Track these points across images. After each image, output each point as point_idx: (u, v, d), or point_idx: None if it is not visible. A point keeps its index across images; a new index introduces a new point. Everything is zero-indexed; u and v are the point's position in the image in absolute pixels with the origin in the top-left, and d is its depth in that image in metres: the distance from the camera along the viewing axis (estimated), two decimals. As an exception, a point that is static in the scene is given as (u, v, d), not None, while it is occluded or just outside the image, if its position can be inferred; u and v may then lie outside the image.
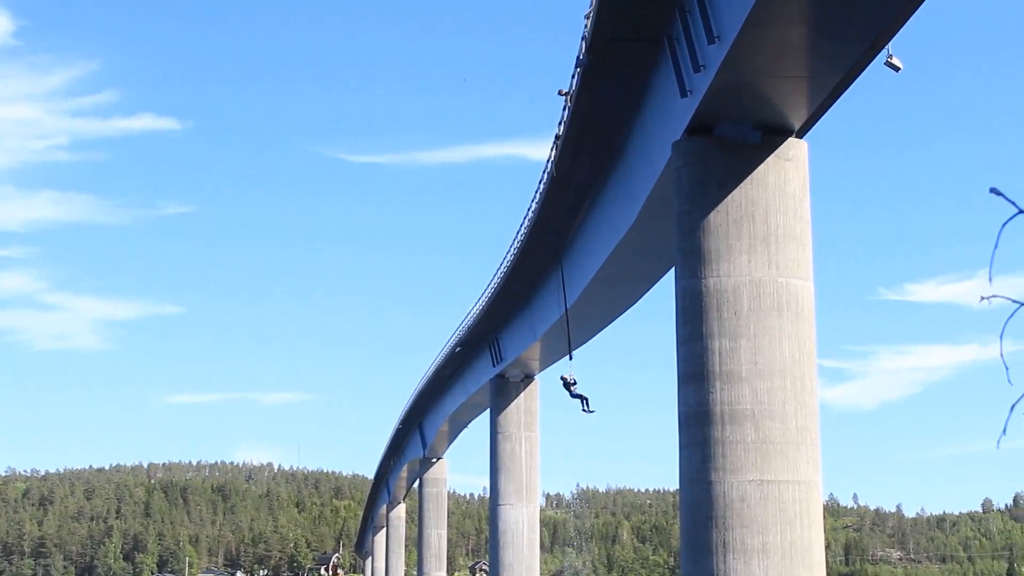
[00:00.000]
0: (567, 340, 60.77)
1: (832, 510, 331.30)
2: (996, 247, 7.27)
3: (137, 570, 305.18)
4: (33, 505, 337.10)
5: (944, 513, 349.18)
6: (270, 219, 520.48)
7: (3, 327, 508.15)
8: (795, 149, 36.95)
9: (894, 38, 30.75)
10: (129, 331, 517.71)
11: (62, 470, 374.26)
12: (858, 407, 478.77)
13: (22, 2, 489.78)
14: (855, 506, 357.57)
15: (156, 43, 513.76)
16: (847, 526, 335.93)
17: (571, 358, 60.79)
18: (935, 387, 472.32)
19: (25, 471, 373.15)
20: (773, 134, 36.66)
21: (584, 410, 54.36)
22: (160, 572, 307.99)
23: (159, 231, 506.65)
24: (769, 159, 36.52)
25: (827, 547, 49.09)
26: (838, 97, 34.89)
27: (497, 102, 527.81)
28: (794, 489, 34.95)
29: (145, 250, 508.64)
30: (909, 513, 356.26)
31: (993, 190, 7.43)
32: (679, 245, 37.47)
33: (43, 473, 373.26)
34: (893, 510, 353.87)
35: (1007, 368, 7.17)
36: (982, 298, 7.46)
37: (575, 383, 54.09)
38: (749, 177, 36.33)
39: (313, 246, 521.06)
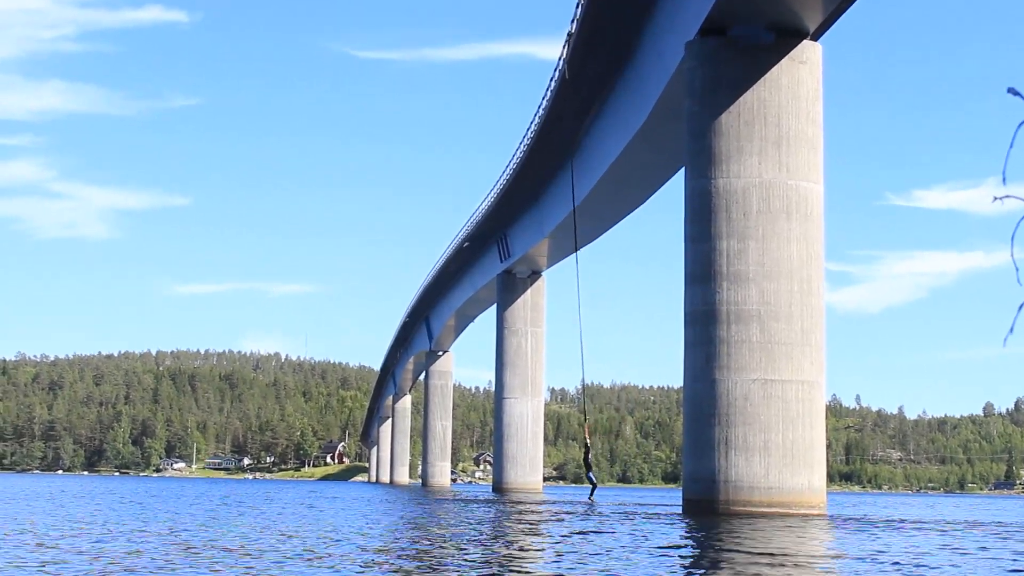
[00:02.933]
0: (574, 239, 61.10)
1: (834, 411, 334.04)
2: (1011, 147, 7.48)
3: (146, 454, 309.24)
4: (43, 389, 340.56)
5: (945, 416, 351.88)
6: (277, 112, 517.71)
7: (11, 215, 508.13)
8: (809, 52, 36.89)
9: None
10: (137, 221, 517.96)
11: (71, 356, 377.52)
12: (863, 311, 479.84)
13: None
14: (857, 407, 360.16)
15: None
16: (849, 426, 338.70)
17: (576, 254, 61.07)
18: (940, 292, 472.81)
19: (35, 356, 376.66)
20: (787, 36, 36.58)
21: (588, 498, 57.57)
22: (168, 457, 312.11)
23: (167, 122, 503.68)
24: (782, 61, 36.48)
25: (828, 446, 49.68)
26: (854, 0, 34.73)
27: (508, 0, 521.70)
28: (797, 389, 35.49)
29: (153, 141, 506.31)
30: (911, 415, 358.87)
31: (1011, 90, 7.61)
32: (689, 146, 37.58)
33: (52, 358, 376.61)
34: (895, 412, 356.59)
35: (1017, 268, 7.41)
36: (995, 198, 7.68)
37: (590, 468, 56.84)
38: (762, 79, 36.33)
39: (321, 138, 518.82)
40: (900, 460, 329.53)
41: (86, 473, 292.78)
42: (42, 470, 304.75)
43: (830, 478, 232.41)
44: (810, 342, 35.84)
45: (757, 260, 35.67)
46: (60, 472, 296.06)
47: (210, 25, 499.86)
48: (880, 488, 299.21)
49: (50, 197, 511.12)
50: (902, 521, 35.91)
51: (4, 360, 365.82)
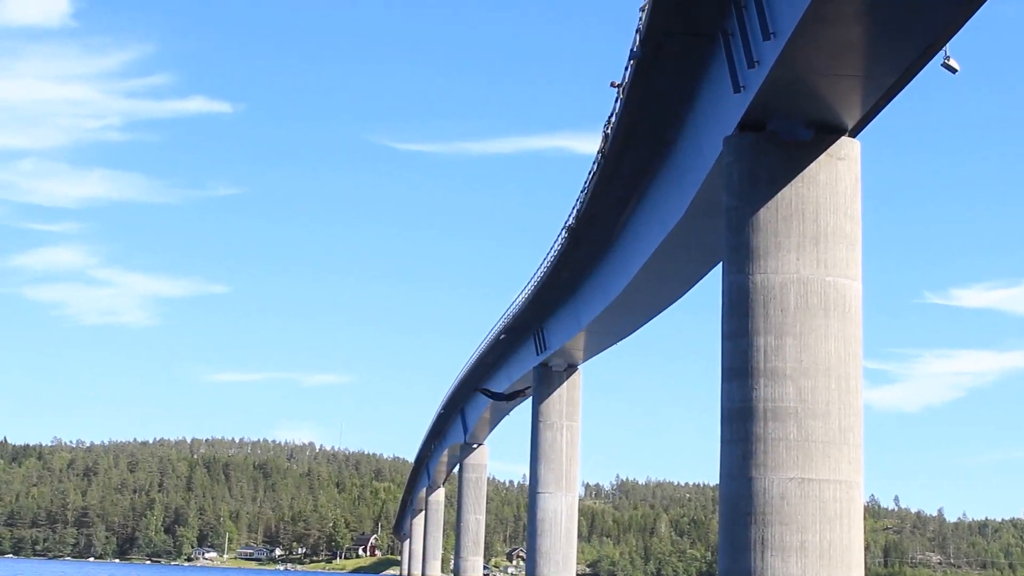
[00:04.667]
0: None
1: (873, 511, 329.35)
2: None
3: (178, 543, 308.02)
4: (77, 475, 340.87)
5: (986, 519, 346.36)
6: (317, 202, 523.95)
7: (53, 301, 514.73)
8: (847, 148, 36.76)
9: (952, 39, 30.55)
10: (176, 308, 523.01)
11: (107, 442, 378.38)
12: (901, 409, 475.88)
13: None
14: (896, 508, 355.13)
15: (210, 27, 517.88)
16: (887, 528, 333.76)
17: None
18: (978, 392, 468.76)
19: (70, 442, 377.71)
20: (826, 132, 36.50)
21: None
22: (200, 546, 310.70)
23: (208, 211, 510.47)
24: (821, 157, 36.36)
25: (866, 548, 48.94)
26: (893, 97, 34.69)
27: (545, 94, 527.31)
28: (835, 488, 34.87)
29: (194, 229, 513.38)
30: (951, 517, 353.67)
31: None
32: (727, 241, 37.40)
33: (88, 444, 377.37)
34: (934, 514, 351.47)
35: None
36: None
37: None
38: (800, 175, 36.21)
39: (359, 230, 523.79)
40: (940, 564, 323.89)
41: (117, 561, 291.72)
42: (73, 556, 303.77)
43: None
44: (848, 441, 35.29)
45: (795, 357, 35.29)
46: (91, 559, 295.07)
47: (253, 116, 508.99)
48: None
49: (91, 284, 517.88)
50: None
51: (40, 445, 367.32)
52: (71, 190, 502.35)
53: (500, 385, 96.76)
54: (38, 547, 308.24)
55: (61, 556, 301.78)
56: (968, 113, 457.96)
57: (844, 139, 36.65)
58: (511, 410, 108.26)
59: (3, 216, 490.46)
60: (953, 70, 31.30)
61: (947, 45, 30.78)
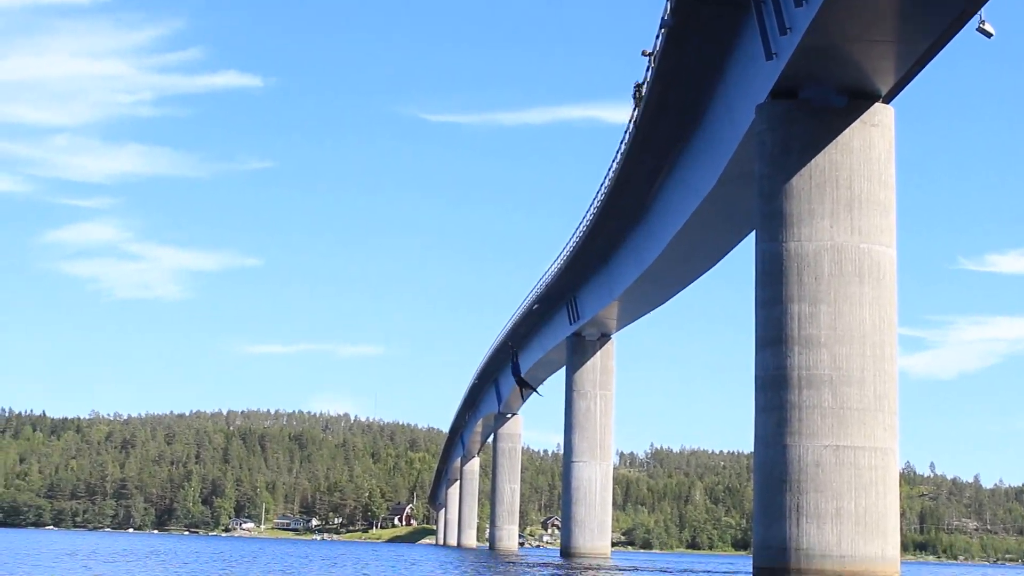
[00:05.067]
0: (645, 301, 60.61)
1: (908, 478, 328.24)
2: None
3: (215, 514, 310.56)
4: (115, 448, 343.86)
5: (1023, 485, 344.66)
6: (348, 175, 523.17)
7: (87, 275, 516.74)
8: (881, 114, 36.61)
9: (986, 3, 30.31)
10: (210, 281, 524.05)
11: (143, 415, 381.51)
12: (935, 376, 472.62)
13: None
14: (932, 475, 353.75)
15: (241, 1, 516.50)
16: (923, 495, 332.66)
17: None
18: (1014, 358, 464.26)
19: (108, 415, 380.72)
20: (859, 98, 36.34)
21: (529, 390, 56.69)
22: (237, 517, 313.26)
23: (240, 184, 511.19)
24: (854, 124, 36.22)
25: (902, 515, 48.88)
26: (927, 63, 34.47)
27: (577, 64, 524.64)
28: (870, 455, 34.90)
29: (226, 203, 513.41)
30: (987, 484, 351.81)
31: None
32: (760, 209, 37.34)
33: (125, 417, 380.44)
34: (971, 480, 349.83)
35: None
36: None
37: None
38: (833, 142, 36.09)
39: (391, 202, 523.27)
40: (976, 530, 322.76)
41: (156, 532, 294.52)
42: (112, 528, 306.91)
43: (904, 547, 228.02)
44: (883, 408, 35.28)
45: (829, 324, 35.27)
46: (131, 530, 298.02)
47: (284, 89, 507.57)
48: (956, 559, 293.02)
49: (125, 258, 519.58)
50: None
51: (78, 418, 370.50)
52: (104, 165, 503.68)
53: (534, 356, 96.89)
54: (78, 519, 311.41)
55: (101, 527, 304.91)
56: (1003, 78, 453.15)
57: (878, 105, 36.49)
58: (545, 380, 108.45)
59: (38, 192, 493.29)
60: (988, 34, 31.09)
61: (982, 9, 30.55)
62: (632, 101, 49.33)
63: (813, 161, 35.96)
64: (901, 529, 37.76)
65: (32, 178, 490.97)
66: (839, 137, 36.04)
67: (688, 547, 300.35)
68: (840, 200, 35.75)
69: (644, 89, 46.64)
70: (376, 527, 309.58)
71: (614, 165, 56.08)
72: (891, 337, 35.90)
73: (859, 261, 35.59)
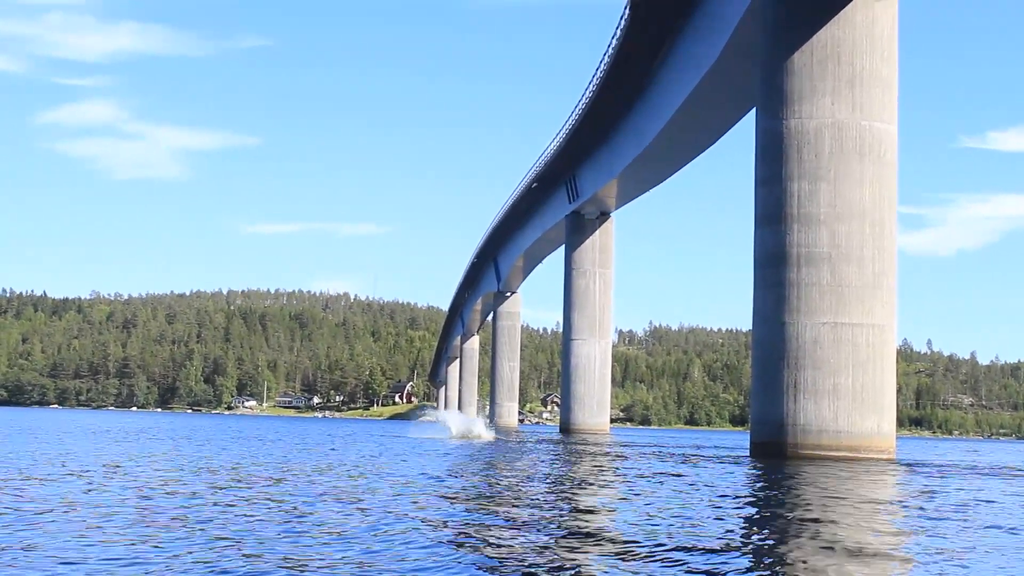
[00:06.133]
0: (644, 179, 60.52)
1: (905, 355, 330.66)
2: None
3: (217, 392, 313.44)
4: (117, 328, 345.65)
5: (1019, 361, 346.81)
6: (346, 52, 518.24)
7: (85, 155, 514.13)
8: (885, -12, 36.09)
9: None
10: (209, 161, 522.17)
11: (144, 295, 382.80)
12: (935, 254, 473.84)
13: None
14: (929, 352, 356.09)
15: None
16: (920, 371, 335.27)
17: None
18: (1013, 236, 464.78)
19: (108, 295, 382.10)
20: (863, -28, 35.80)
21: None
22: (240, 395, 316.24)
23: (238, 63, 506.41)
24: (857, -2, 35.75)
25: (898, 391, 49.22)
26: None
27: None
28: (868, 332, 35.08)
29: (225, 82, 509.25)
30: (983, 360, 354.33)
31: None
32: (761, 85, 37.03)
33: (126, 297, 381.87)
34: (967, 357, 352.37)
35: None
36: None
37: None
38: (836, 17, 35.65)
39: (390, 77, 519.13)
40: (972, 406, 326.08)
41: (159, 410, 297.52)
42: (116, 406, 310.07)
43: (900, 423, 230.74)
44: (881, 285, 35.37)
45: (828, 202, 35.20)
46: (134, 409, 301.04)
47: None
48: (950, 434, 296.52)
49: (124, 138, 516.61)
50: (972, 467, 35.53)
51: (79, 299, 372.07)
52: (100, 43, 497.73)
53: (534, 234, 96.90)
54: (82, 397, 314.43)
55: (105, 406, 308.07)
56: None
57: (881, -21, 35.94)
58: (543, 258, 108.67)
59: (32, 71, 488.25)
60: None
61: None
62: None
63: (815, 36, 35.55)
64: (897, 405, 38.07)
65: (28, 56, 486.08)
66: (842, 12, 35.58)
67: (686, 423, 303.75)
68: (842, 76, 35.43)
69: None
70: (377, 405, 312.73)
71: (613, 41, 55.45)
72: (891, 215, 35.85)
73: (860, 138, 35.39)
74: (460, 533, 11.47)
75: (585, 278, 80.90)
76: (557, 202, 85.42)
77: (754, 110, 38.22)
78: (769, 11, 36.45)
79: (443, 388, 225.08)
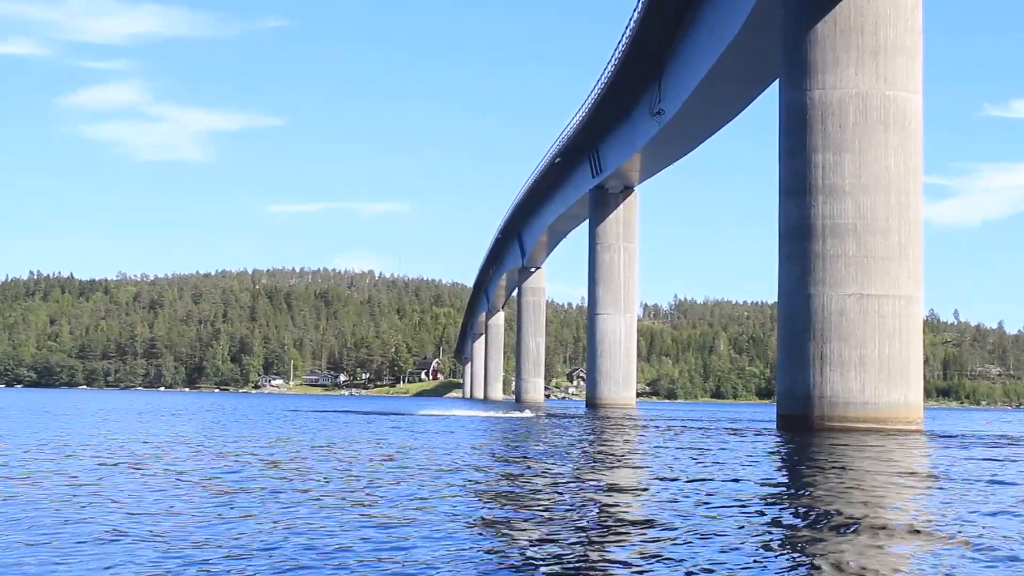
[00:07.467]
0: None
1: (932, 325, 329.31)
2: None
3: (244, 371, 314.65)
4: (144, 308, 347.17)
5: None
6: (366, 30, 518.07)
7: (109, 138, 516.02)
8: (908, -43, 35.84)
9: None
10: (232, 142, 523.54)
11: (170, 275, 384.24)
12: (961, 224, 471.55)
13: None
14: (955, 322, 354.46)
15: None
16: (946, 341, 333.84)
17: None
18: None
19: (135, 276, 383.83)
20: (886, -59, 35.55)
21: None
22: (266, 374, 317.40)
23: (260, 44, 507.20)
24: (881, -32, 35.51)
25: (925, 362, 49.11)
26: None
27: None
28: (894, 303, 35.00)
29: (246, 63, 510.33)
30: (1010, 330, 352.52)
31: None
32: (784, 57, 36.87)
33: (152, 278, 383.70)
34: (994, 327, 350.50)
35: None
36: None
37: None
38: (859, -14, 35.41)
39: (413, 56, 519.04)
40: (999, 376, 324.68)
41: (187, 390, 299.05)
42: (144, 387, 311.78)
43: (927, 394, 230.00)
44: (907, 256, 35.27)
45: (853, 173, 35.08)
46: (162, 388, 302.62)
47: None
48: (978, 404, 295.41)
49: (147, 120, 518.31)
50: (1000, 437, 35.46)
51: (106, 280, 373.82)
52: (121, 27, 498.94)
53: (558, 209, 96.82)
54: (110, 378, 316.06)
55: (132, 386, 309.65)
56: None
57: (904, -52, 35.70)
58: (568, 233, 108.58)
59: (55, 55, 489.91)
60: None
61: None
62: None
63: (838, 6, 35.37)
64: (924, 376, 38.02)
65: (51, 40, 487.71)
66: (865, -18, 35.34)
67: (712, 396, 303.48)
68: (865, 47, 35.24)
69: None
70: (403, 382, 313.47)
71: (635, 15, 55.28)
72: (916, 185, 35.71)
73: (884, 108, 35.23)
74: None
75: (609, 252, 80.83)
76: (580, 177, 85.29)
77: (777, 82, 38.07)
78: (791, -18, 36.24)
79: (469, 364, 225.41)
